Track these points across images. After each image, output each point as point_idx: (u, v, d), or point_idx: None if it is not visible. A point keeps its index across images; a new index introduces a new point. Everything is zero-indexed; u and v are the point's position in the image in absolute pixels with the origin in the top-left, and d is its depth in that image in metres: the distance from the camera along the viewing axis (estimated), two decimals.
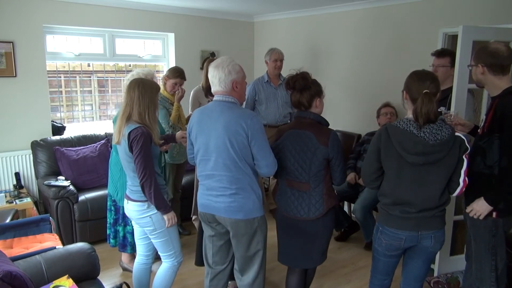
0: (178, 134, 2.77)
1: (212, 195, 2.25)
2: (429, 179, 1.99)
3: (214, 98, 2.25)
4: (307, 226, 2.33)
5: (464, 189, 2.03)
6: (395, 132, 2.00)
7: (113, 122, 3.02)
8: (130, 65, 4.96)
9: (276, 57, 4.14)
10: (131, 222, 2.90)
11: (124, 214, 3.05)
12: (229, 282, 2.79)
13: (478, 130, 2.28)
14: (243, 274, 2.37)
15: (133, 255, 3.29)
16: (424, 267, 2.20)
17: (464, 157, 1.98)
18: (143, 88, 2.28)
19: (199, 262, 2.84)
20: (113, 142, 2.39)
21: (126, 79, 2.96)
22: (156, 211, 2.32)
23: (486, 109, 2.36)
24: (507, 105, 2.07)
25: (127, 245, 3.19)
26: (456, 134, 1.99)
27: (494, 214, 2.15)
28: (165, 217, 2.33)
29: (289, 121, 4.28)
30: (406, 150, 1.96)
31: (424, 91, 1.95)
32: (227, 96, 2.20)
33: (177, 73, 3.58)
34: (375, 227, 2.22)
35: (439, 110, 2.51)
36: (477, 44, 2.69)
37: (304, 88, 2.28)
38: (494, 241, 2.18)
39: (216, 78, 2.18)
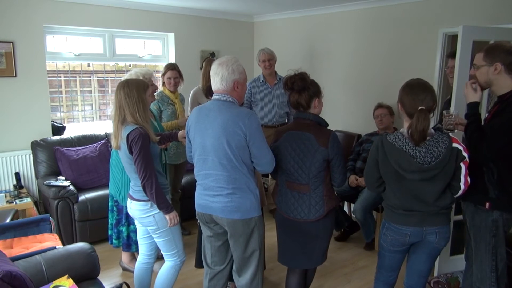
0: (180, 133, 2.77)
1: (209, 195, 2.25)
2: (427, 190, 2.01)
3: (213, 97, 2.23)
4: (308, 228, 2.32)
5: (467, 189, 2.02)
6: (391, 150, 2.00)
7: (112, 122, 3.01)
8: (130, 65, 4.96)
9: (264, 58, 4.15)
10: (134, 221, 2.90)
11: (127, 214, 3.04)
12: (229, 283, 2.79)
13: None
14: (241, 274, 2.37)
15: (133, 255, 3.30)
16: (427, 261, 2.20)
17: (461, 164, 1.98)
18: (128, 88, 2.29)
19: (199, 264, 2.84)
20: (112, 148, 2.39)
21: (124, 79, 2.95)
22: (159, 210, 2.32)
23: (489, 107, 2.35)
24: None
25: (132, 244, 3.19)
26: (453, 145, 1.96)
27: (487, 205, 2.15)
28: (167, 216, 2.33)
29: (286, 121, 4.28)
30: (403, 168, 1.97)
31: (420, 108, 1.92)
32: (226, 95, 2.18)
33: (168, 66, 3.65)
34: (381, 223, 2.23)
35: (443, 111, 2.51)
36: (478, 44, 2.69)
37: (303, 88, 2.27)
38: (494, 241, 2.18)
39: (219, 75, 2.16)
